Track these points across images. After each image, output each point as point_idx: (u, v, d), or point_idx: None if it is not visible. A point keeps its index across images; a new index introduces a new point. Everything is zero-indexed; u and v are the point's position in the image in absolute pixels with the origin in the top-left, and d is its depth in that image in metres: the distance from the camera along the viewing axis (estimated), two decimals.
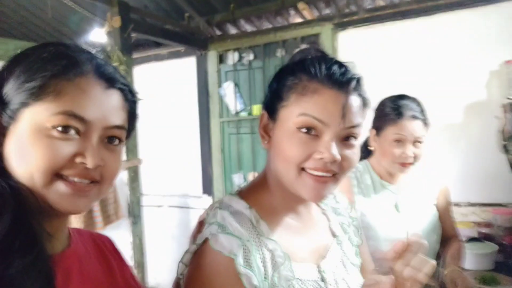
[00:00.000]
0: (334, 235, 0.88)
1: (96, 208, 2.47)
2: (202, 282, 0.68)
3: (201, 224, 0.80)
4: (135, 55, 3.49)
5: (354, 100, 0.72)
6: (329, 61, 0.73)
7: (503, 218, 2.26)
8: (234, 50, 3.38)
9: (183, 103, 3.69)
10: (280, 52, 3.19)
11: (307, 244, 0.81)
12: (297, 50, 0.83)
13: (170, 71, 3.75)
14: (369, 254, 0.99)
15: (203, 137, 3.59)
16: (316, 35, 3.01)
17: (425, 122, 1.46)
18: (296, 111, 0.71)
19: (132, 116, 0.70)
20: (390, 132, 1.42)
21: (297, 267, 0.75)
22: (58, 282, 0.54)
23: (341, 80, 0.71)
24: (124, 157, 2.80)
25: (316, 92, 0.70)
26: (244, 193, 0.82)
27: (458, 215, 2.53)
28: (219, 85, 3.47)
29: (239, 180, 3.42)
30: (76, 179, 0.59)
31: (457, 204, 2.55)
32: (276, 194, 0.79)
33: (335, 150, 0.69)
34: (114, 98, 0.64)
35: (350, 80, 0.71)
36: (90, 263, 0.71)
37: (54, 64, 0.59)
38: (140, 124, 2.93)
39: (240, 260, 0.67)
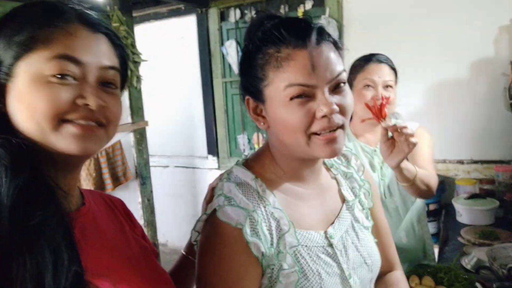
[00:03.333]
0: (344, 200, 0.90)
1: (105, 170, 2.52)
2: (213, 251, 0.73)
3: (212, 190, 0.84)
4: (134, 14, 3.40)
5: (328, 48, 0.72)
6: (285, 23, 0.72)
7: (505, 175, 2.30)
8: (236, 7, 3.28)
9: (184, 63, 3.64)
10: (283, 8, 3.10)
11: (314, 211, 0.83)
12: (251, 26, 0.80)
13: (170, 30, 3.66)
14: (383, 215, 1.01)
15: (206, 97, 3.58)
16: None
17: (392, 68, 1.48)
18: (280, 85, 0.70)
19: (122, 62, 0.72)
20: (360, 79, 1.46)
21: (302, 234, 0.78)
22: (76, 238, 0.57)
23: (306, 35, 0.70)
24: (129, 119, 2.81)
25: (290, 58, 0.69)
26: (250, 163, 0.84)
27: (461, 172, 2.59)
28: (221, 44, 3.40)
29: (243, 141, 3.44)
30: (82, 122, 0.61)
31: (460, 161, 2.59)
32: (282, 164, 0.81)
33: (332, 103, 0.70)
34: (102, 41, 0.66)
35: (313, 31, 0.71)
36: (103, 221, 0.74)
37: (39, 15, 0.61)
38: (144, 85, 2.91)
39: (247, 230, 0.71)
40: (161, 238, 3.87)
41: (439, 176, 2.51)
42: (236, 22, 3.31)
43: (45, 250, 0.51)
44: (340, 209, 0.88)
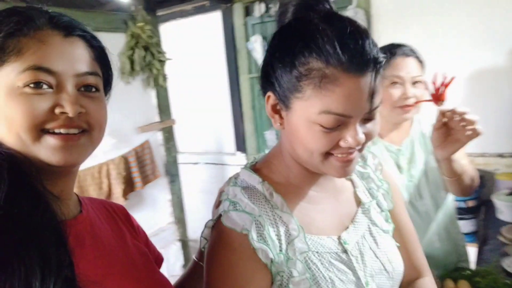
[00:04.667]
0: (360, 202, 0.84)
1: (135, 169, 2.56)
2: (220, 259, 0.70)
3: (221, 195, 0.81)
4: (160, 13, 3.43)
5: (377, 79, 0.64)
6: (344, 36, 0.61)
7: None
8: (261, 0, 3.23)
9: (211, 60, 3.64)
10: None
11: (327, 215, 0.78)
12: (288, 11, 0.69)
13: (196, 27, 3.67)
14: (407, 217, 0.93)
15: (233, 94, 3.56)
16: None
17: (420, 60, 1.35)
18: (316, 107, 0.63)
19: (104, 64, 0.69)
20: (386, 76, 1.31)
21: (313, 239, 0.73)
22: (71, 245, 0.56)
23: (363, 63, 0.61)
24: (157, 118, 2.85)
25: (336, 83, 0.61)
26: (259, 166, 0.80)
27: (502, 166, 2.43)
28: (247, 40, 3.36)
29: (271, 137, 3.41)
30: (62, 131, 0.60)
31: (500, 155, 2.43)
32: (292, 168, 0.76)
33: (361, 135, 0.65)
34: (76, 46, 0.63)
35: (373, 61, 0.62)
36: (102, 228, 0.73)
37: (6, 23, 0.59)
38: (172, 83, 2.94)
39: (253, 235, 0.67)
40: (193, 234, 3.91)
41: (477, 170, 2.39)
42: (261, 16, 3.26)
43: (33, 255, 0.50)
44: (356, 213, 0.82)
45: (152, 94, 2.82)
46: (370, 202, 0.84)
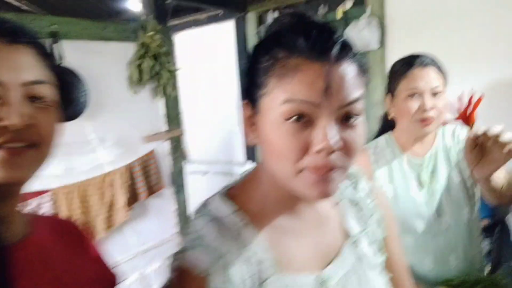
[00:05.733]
0: (348, 234, 0.76)
1: (139, 179, 2.55)
2: None
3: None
4: (175, 22, 3.44)
5: (347, 70, 0.58)
6: (307, 28, 0.59)
7: None
8: (274, 9, 3.20)
9: (223, 69, 3.62)
10: (322, 10, 2.97)
11: (308, 249, 0.70)
12: (270, 21, 0.68)
13: (209, 37, 3.67)
14: (399, 247, 0.85)
15: None
16: None
17: (440, 69, 1.28)
18: (279, 97, 0.57)
19: (59, 72, 0.66)
20: (403, 87, 1.27)
21: (291, 279, 0.65)
22: (17, 271, 0.52)
23: (325, 48, 0.57)
24: (165, 128, 2.83)
25: (298, 69, 0.57)
26: (234, 192, 0.72)
27: None
28: None
29: None
30: (9, 145, 0.56)
31: None
32: (270, 193, 0.69)
33: (334, 135, 0.56)
34: (21, 53, 0.59)
35: (336, 46, 0.58)
36: (53, 249, 0.69)
37: None
38: (184, 92, 2.92)
39: (216, 278, 0.60)
40: None
41: None
42: None
43: None
44: (342, 245, 0.74)
45: (160, 103, 2.81)
46: (359, 233, 0.77)
